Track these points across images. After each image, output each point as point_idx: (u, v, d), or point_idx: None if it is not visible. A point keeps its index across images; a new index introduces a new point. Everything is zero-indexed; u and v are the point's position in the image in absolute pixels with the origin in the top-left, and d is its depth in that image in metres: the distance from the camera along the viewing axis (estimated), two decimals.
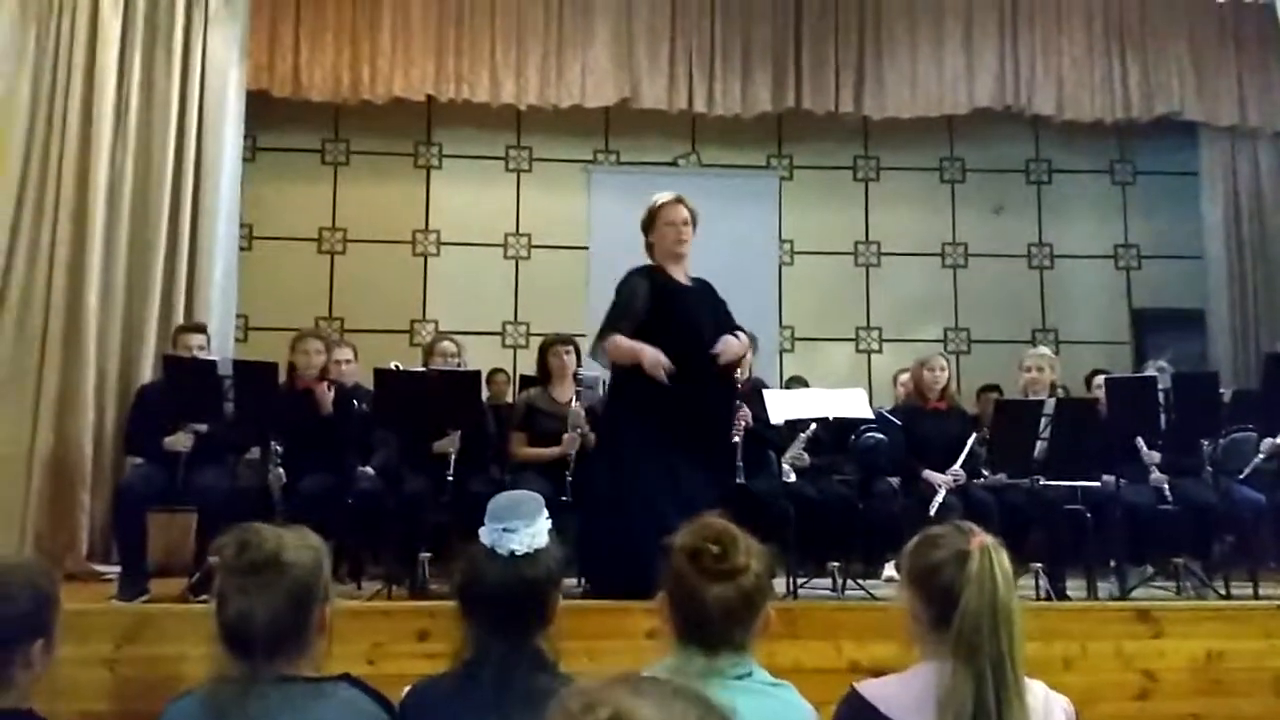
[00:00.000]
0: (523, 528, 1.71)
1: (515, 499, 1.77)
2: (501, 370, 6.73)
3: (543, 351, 5.02)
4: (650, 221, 4.07)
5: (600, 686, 0.85)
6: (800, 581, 4.48)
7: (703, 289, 4.14)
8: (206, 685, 1.61)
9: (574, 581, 3.99)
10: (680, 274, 4.06)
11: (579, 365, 4.95)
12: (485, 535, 1.72)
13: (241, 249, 6.34)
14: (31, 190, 5.26)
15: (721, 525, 1.68)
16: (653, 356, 3.82)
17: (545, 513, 1.75)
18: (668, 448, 3.81)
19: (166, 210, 5.48)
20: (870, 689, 1.62)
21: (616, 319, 3.97)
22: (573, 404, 4.69)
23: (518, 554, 1.70)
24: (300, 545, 1.64)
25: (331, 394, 4.57)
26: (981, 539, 1.59)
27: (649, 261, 4.11)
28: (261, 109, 6.60)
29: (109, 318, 5.28)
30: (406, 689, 1.73)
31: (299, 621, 1.60)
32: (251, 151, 7.02)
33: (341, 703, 1.61)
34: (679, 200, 4.06)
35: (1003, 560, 1.56)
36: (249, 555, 1.59)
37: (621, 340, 3.91)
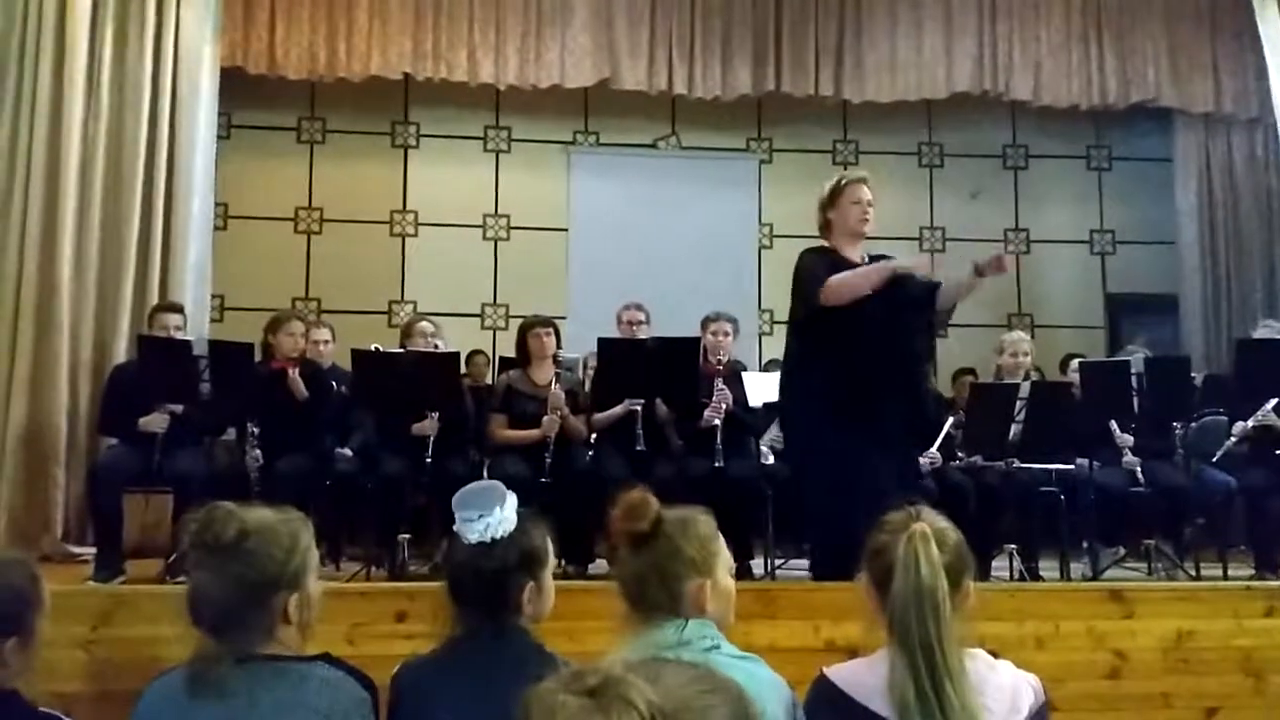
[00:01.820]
0: (480, 518, 1.72)
1: (476, 490, 1.77)
2: (481, 352, 6.70)
3: (522, 333, 5.00)
4: (833, 198, 3.96)
5: (606, 663, 0.86)
6: (777, 562, 4.52)
7: None
8: (187, 662, 1.61)
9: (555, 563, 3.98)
10: (856, 254, 3.94)
11: (559, 347, 4.94)
12: (456, 523, 1.75)
13: (216, 228, 6.29)
14: (1, 168, 5.17)
15: (640, 494, 1.70)
16: (894, 262, 3.76)
17: (508, 502, 1.74)
18: (867, 427, 3.69)
19: (140, 189, 5.42)
20: (838, 673, 1.64)
21: (816, 279, 3.79)
22: (552, 386, 4.68)
23: (478, 543, 1.72)
24: (268, 531, 1.61)
25: (299, 377, 4.53)
26: (919, 525, 1.57)
27: (823, 242, 4.01)
28: (236, 86, 6.51)
29: (82, 296, 5.21)
30: (397, 666, 1.75)
31: (250, 607, 1.59)
32: (226, 129, 6.95)
33: (321, 681, 1.61)
34: (864, 180, 3.98)
35: (929, 547, 1.54)
36: (206, 534, 1.58)
37: (840, 276, 3.73)
